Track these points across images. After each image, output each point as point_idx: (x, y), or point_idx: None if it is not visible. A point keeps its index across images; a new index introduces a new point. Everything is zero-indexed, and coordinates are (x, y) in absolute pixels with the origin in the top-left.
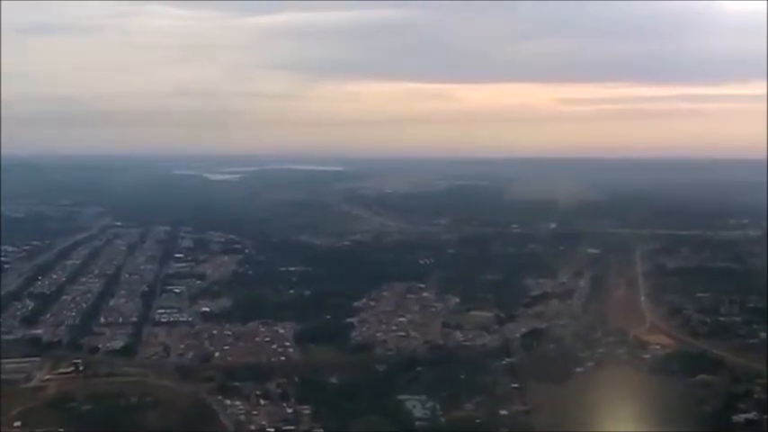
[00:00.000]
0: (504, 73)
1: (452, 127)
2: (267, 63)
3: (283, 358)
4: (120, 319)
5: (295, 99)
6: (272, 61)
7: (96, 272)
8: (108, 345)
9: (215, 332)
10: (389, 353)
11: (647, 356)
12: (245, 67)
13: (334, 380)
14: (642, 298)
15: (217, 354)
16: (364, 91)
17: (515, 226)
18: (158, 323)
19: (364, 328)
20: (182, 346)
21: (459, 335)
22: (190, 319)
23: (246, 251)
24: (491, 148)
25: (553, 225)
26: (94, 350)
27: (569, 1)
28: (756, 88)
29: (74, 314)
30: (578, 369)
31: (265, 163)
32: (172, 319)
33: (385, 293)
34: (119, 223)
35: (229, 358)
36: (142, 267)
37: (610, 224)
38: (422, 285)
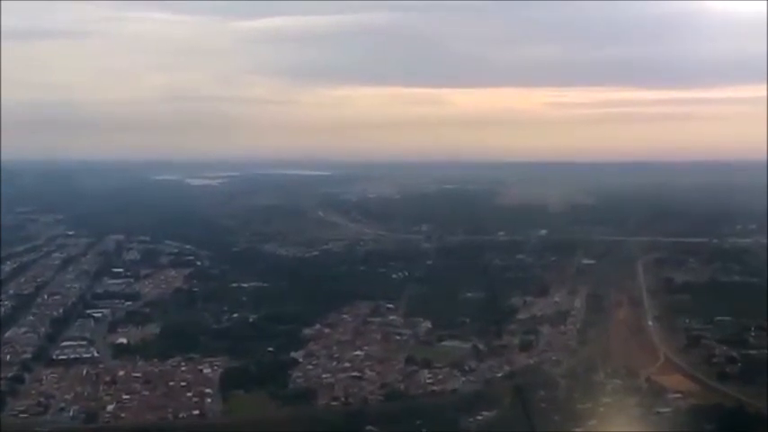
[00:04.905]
0: (495, 77)
1: (443, 131)
2: (257, 67)
3: (196, 413)
4: (9, 357)
5: (285, 103)
6: (262, 66)
7: (11, 292)
8: None
9: (121, 374)
10: (334, 403)
11: (668, 410)
12: (234, 72)
13: None
14: (650, 323)
15: (110, 407)
16: (354, 95)
17: (502, 233)
18: (54, 362)
19: (310, 367)
20: (68, 396)
21: (425, 375)
22: (97, 354)
23: (199, 263)
24: (482, 152)
25: (544, 232)
26: None
27: (558, 3)
28: (755, 91)
29: None
30: (577, 431)
31: (252, 167)
32: (74, 355)
33: (345, 316)
34: (71, 232)
35: (123, 415)
36: (68, 286)
37: (605, 231)
38: (390, 305)
